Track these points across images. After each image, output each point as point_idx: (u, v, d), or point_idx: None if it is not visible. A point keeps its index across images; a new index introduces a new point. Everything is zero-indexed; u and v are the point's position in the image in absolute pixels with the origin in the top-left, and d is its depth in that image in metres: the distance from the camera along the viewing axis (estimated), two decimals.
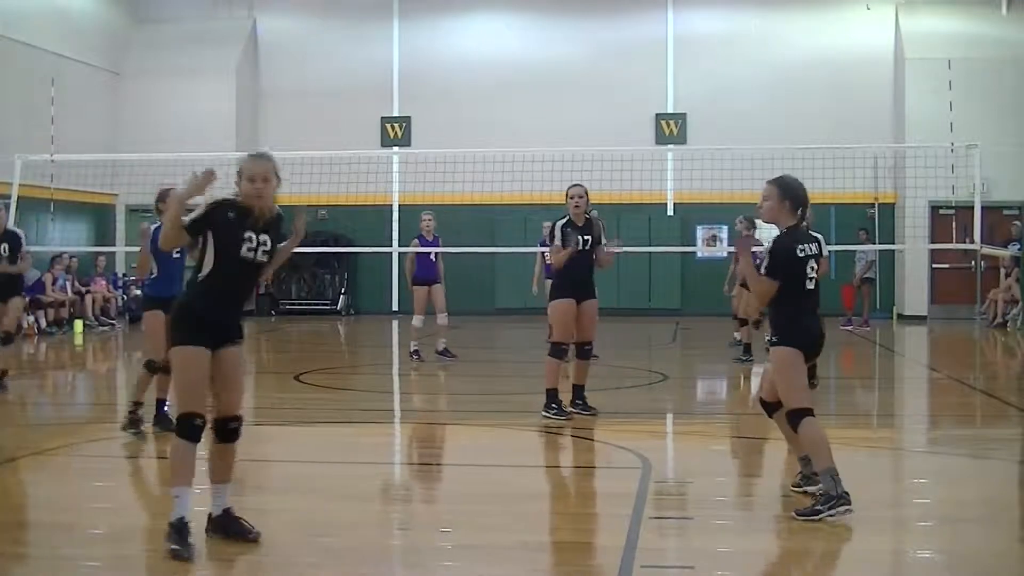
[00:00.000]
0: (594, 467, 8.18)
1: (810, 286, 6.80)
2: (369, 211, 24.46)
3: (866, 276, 22.09)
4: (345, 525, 6.38)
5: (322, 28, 26.64)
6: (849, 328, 21.37)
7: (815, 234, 6.85)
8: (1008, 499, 7.31)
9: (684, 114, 25.40)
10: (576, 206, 10.27)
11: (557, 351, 10.18)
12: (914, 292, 24.30)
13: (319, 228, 25.34)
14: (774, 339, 6.79)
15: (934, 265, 24.29)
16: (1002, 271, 22.26)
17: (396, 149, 25.43)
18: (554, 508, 7.12)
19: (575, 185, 10.45)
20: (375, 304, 25.88)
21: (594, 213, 10.73)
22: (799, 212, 6.75)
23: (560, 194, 20.21)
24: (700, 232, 25.24)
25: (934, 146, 20.33)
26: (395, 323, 23.39)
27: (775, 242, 6.73)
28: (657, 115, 25.49)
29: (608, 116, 24.75)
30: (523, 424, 10.22)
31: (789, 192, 6.72)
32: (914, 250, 23.34)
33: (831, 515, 6.28)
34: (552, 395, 10.08)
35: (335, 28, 26.53)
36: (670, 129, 25.44)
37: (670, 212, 25.32)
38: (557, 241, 10.19)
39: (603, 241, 10.39)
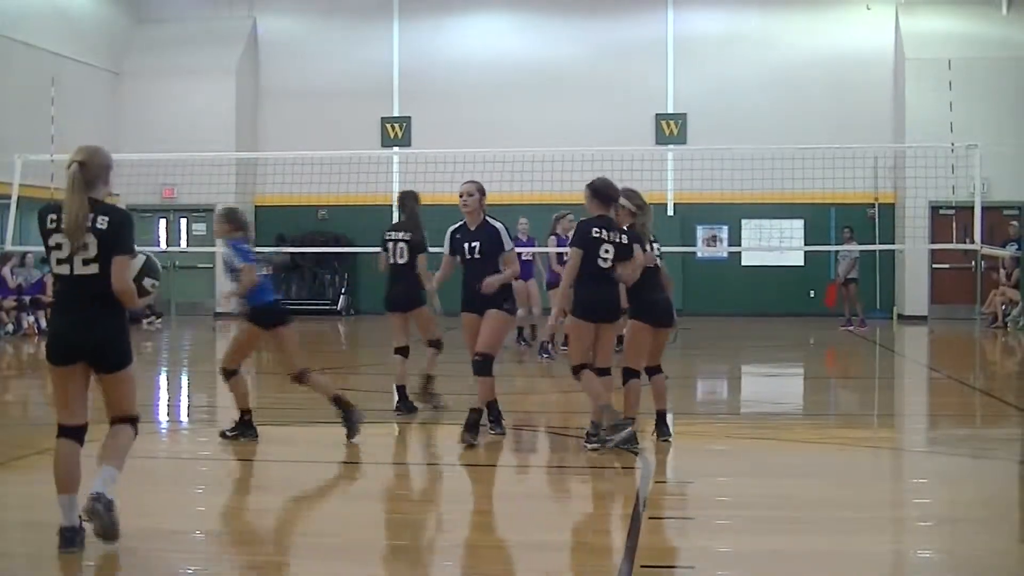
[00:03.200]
0: (594, 467, 8.18)
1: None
2: (369, 211, 24.45)
3: (850, 276, 22.05)
4: (345, 525, 6.38)
5: (322, 28, 26.65)
6: (849, 328, 21.37)
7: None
8: (1008, 499, 7.31)
9: (684, 114, 25.41)
10: (464, 205, 8.96)
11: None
12: (914, 292, 24.30)
13: (319, 228, 25.36)
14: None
15: (934, 265, 24.30)
16: (1002, 272, 22.25)
17: (396, 149, 25.43)
18: (554, 508, 7.12)
19: (466, 182, 9.16)
20: (375, 304, 25.77)
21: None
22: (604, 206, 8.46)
23: (560, 195, 20.33)
24: (700, 232, 25.25)
25: (934, 146, 20.35)
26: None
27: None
28: (657, 115, 25.49)
29: (608, 116, 24.76)
30: (522, 424, 10.22)
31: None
32: (914, 250, 23.35)
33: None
34: (489, 408, 8.99)
35: (335, 28, 26.54)
36: (670, 129, 25.44)
37: (670, 212, 25.29)
38: (444, 249, 9.20)
39: (506, 248, 8.91)
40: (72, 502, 5.62)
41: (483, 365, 8.77)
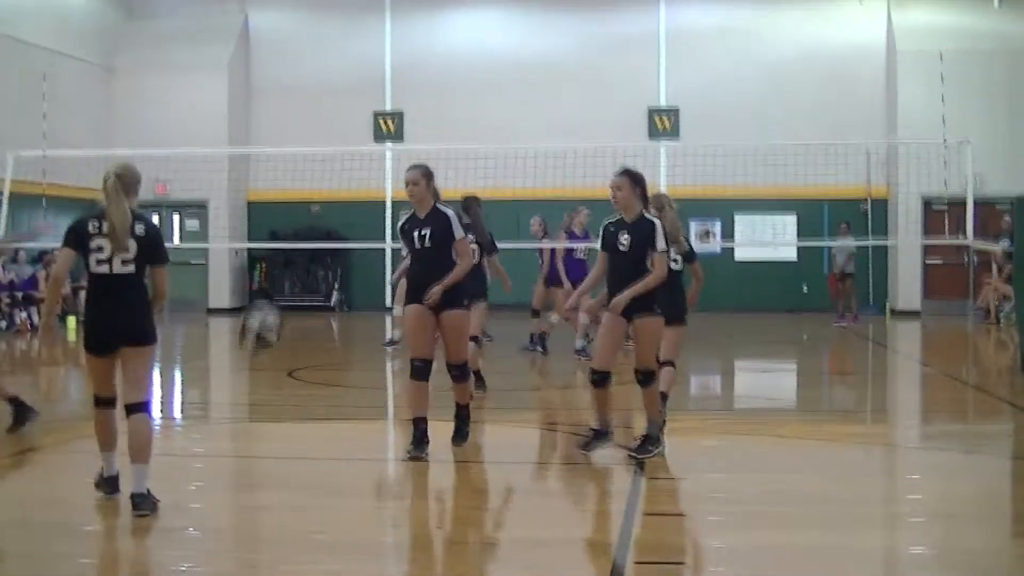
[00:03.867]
0: (588, 463, 8.18)
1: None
2: (362, 206, 24.45)
3: (847, 271, 22.09)
4: (339, 521, 6.38)
5: (314, 23, 26.60)
6: (843, 324, 21.41)
7: None
8: (1001, 495, 7.33)
9: (677, 109, 25.41)
10: (411, 195, 8.27)
11: (411, 369, 8.26)
12: (907, 287, 24.33)
13: (312, 224, 25.33)
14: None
15: (927, 260, 24.32)
16: (994, 266, 22.29)
17: (389, 144, 25.42)
18: (548, 504, 7.12)
19: (411, 168, 8.34)
20: (368, 300, 25.86)
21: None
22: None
23: (553, 189, 20.21)
24: (693, 226, 25.21)
25: (927, 140, 20.35)
26: (388, 319, 23.36)
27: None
28: (650, 110, 25.49)
29: (601, 111, 24.74)
30: (516, 420, 10.23)
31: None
32: (907, 245, 23.37)
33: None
34: (414, 424, 8.20)
35: (327, 23, 26.49)
36: (663, 124, 25.44)
37: None
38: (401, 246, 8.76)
39: (456, 236, 8.22)
40: (113, 457, 6.62)
41: (463, 371, 8.49)
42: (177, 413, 11.41)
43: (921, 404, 12.23)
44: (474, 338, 10.90)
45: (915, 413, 11.49)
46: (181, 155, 21.70)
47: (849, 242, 21.75)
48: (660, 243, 7.96)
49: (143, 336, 6.56)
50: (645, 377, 8.07)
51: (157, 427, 9.94)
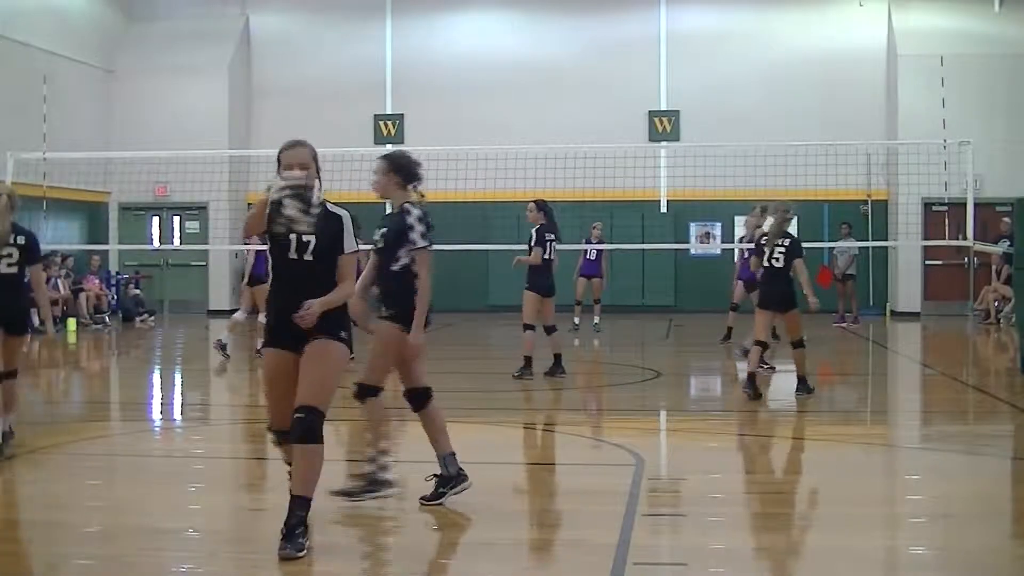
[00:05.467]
0: (587, 464, 8.18)
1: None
2: (362, 209, 24.36)
3: (848, 272, 22.08)
4: (337, 523, 6.38)
5: (315, 25, 26.61)
6: (843, 325, 21.40)
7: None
8: (1001, 495, 7.33)
9: (677, 111, 25.41)
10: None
11: (276, 438, 6.25)
12: (907, 289, 24.33)
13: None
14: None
15: (927, 261, 24.32)
16: (993, 268, 22.28)
17: (389, 147, 25.40)
18: (547, 505, 7.12)
19: (294, 145, 6.31)
20: (369, 301, 25.82)
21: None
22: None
23: (553, 191, 20.20)
24: (693, 229, 25.27)
25: (927, 143, 20.36)
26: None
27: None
28: (650, 112, 25.49)
29: (601, 113, 24.75)
30: (515, 421, 10.23)
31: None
32: (907, 247, 23.38)
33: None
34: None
35: (328, 25, 26.50)
36: (663, 126, 25.45)
37: (663, 209, 25.33)
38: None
39: (347, 249, 5.96)
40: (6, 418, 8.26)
41: (310, 425, 5.90)
42: (177, 415, 11.41)
43: (921, 405, 12.23)
44: (542, 328, 12.61)
45: (915, 414, 11.49)
46: (181, 157, 21.70)
47: (851, 243, 21.75)
48: (416, 238, 6.74)
49: (22, 326, 8.27)
50: (360, 391, 6.86)
51: (157, 429, 9.99)
